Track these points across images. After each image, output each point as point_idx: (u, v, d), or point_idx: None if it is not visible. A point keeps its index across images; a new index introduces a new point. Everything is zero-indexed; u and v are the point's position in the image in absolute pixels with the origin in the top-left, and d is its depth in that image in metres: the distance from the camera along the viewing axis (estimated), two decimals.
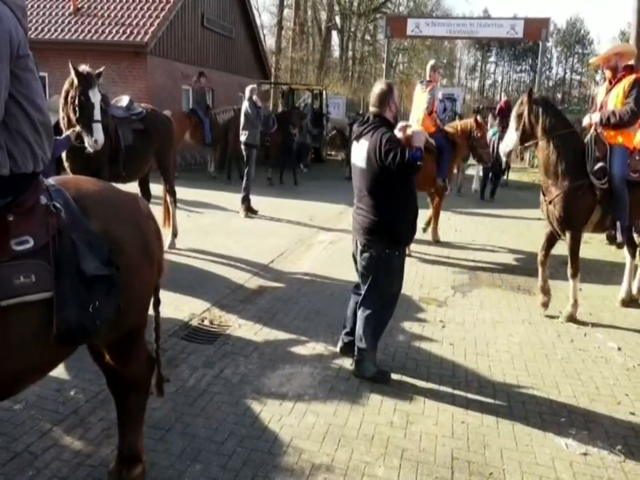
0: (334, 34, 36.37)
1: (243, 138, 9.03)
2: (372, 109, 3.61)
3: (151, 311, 2.46)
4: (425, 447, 2.94)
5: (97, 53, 12.78)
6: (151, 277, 2.30)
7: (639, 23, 11.71)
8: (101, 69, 5.16)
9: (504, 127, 8.80)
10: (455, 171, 9.17)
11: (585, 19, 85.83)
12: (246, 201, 8.95)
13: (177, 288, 5.05)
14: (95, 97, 4.90)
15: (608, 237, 4.87)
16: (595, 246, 7.41)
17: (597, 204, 4.71)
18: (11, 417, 2.95)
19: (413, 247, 6.72)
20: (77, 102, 4.84)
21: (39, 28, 13.58)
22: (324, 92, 18.11)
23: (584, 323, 4.82)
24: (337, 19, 35.32)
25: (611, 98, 4.74)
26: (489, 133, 10.28)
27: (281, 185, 12.51)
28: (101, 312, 1.92)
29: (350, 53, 38.61)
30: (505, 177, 13.00)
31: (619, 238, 4.74)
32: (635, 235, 5.47)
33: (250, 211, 8.96)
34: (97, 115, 4.90)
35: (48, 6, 14.27)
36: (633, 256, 5.38)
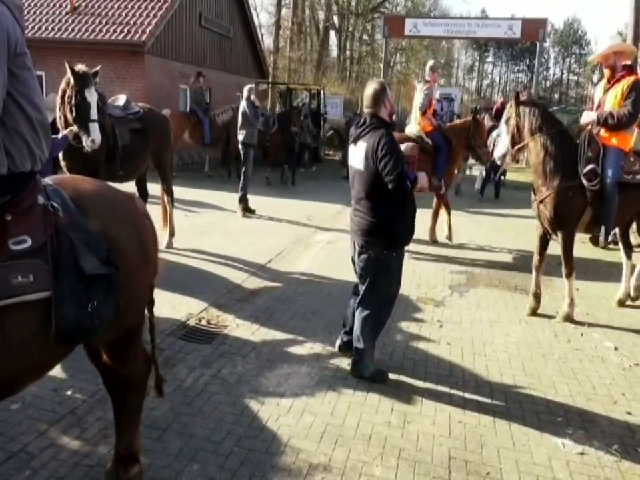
0: (332, 34, 36.38)
1: (240, 137, 9.04)
2: (367, 109, 3.60)
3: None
4: (422, 447, 2.95)
5: (95, 52, 12.75)
6: (148, 277, 2.31)
7: (636, 23, 11.75)
8: (98, 68, 5.15)
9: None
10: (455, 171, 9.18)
11: (582, 20, 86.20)
12: (243, 200, 8.95)
13: (175, 287, 5.04)
14: (92, 96, 4.89)
15: (591, 239, 4.87)
16: (591, 246, 7.42)
17: (588, 205, 4.68)
18: (8, 417, 2.95)
19: (411, 246, 6.72)
20: (73, 101, 4.84)
21: (37, 27, 13.55)
22: (322, 92, 18.11)
23: (581, 323, 4.83)
24: (335, 19, 35.34)
25: (609, 98, 4.73)
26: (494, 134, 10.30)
27: (282, 185, 12.51)
28: (99, 311, 1.92)
29: (348, 52, 38.62)
30: (503, 177, 13.03)
31: (602, 241, 4.71)
32: (632, 236, 5.50)
33: (247, 210, 8.96)
34: (94, 114, 4.89)
35: (45, 4, 14.24)
36: (629, 257, 5.39)
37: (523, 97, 5.07)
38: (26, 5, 13.81)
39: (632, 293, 5.27)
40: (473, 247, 7.59)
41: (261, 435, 2.97)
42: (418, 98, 7.46)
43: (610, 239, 7.43)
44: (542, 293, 5.08)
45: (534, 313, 4.99)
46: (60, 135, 4.81)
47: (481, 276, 6.22)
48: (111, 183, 2.44)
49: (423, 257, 6.90)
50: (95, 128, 4.89)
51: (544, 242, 5.02)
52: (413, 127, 7.49)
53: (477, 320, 4.85)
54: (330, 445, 2.91)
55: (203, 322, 4.51)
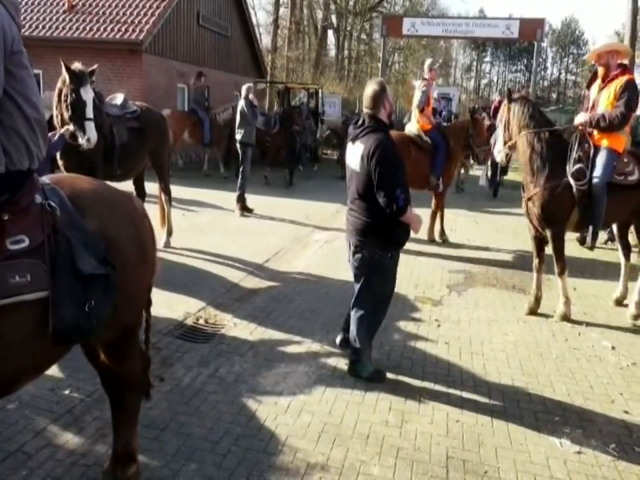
0: (330, 33, 36.32)
1: (238, 137, 9.03)
2: (366, 110, 3.59)
3: None
4: (420, 446, 2.95)
5: (92, 50, 12.70)
6: (146, 276, 2.30)
7: (633, 24, 11.78)
8: (94, 67, 5.14)
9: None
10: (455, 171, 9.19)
11: (579, 20, 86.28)
12: (241, 199, 8.94)
13: (172, 287, 5.04)
14: (87, 94, 4.88)
15: (578, 239, 4.85)
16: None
17: (576, 204, 4.65)
18: (5, 416, 2.94)
19: (409, 246, 6.72)
20: (69, 100, 4.83)
21: (34, 25, 13.50)
22: (320, 91, 18.08)
23: (578, 322, 4.84)
24: (333, 18, 35.28)
25: (602, 98, 4.69)
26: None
27: (283, 185, 12.45)
28: (97, 311, 1.91)
29: (346, 52, 38.59)
30: (502, 176, 13.04)
31: (588, 242, 4.69)
32: (630, 237, 5.50)
33: (245, 209, 8.95)
34: (89, 112, 4.88)
35: (42, 3, 14.18)
36: (627, 257, 5.39)
37: (515, 95, 5.08)
38: (23, 3, 13.76)
39: (635, 311, 4.94)
40: (470, 246, 7.59)
41: (259, 434, 2.96)
42: (416, 96, 7.48)
43: (607, 237, 7.45)
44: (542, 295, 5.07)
45: (532, 313, 4.99)
46: (57, 134, 4.80)
47: (478, 275, 6.22)
48: (108, 182, 2.44)
49: (421, 256, 6.90)
50: (90, 126, 4.89)
51: (538, 243, 5.01)
52: (412, 126, 7.50)
53: (474, 319, 4.85)
54: (328, 444, 2.91)
55: (201, 321, 4.50)
